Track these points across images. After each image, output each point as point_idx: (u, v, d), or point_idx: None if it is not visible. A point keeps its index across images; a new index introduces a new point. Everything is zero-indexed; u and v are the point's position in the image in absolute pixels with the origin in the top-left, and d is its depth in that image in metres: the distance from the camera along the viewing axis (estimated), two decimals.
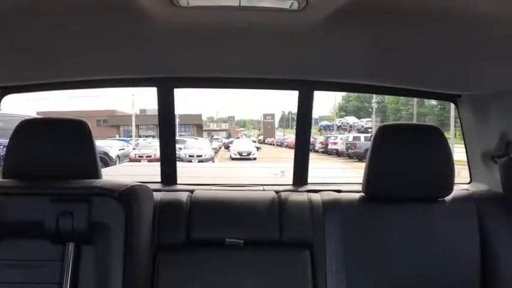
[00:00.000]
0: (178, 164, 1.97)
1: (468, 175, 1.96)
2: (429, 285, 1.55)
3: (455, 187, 1.61)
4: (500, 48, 1.22)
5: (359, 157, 14.36)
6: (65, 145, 1.35)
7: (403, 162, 1.54)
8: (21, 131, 1.36)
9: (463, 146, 1.95)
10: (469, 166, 1.95)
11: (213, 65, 1.67)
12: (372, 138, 1.59)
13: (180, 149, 13.31)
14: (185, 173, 1.94)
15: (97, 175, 1.36)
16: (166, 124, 1.90)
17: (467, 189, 1.80)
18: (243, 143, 18.77)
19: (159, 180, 1.93)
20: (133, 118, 19.04)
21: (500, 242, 1.57)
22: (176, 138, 2.00)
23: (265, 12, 1.12)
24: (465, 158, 1.96)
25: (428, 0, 0.99)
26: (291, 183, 1.95)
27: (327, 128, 22.95)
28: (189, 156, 13.70)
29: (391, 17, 1.09)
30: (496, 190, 1.73)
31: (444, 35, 1.18)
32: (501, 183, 1.67)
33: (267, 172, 9.30)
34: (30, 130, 1.38)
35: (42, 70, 1.63)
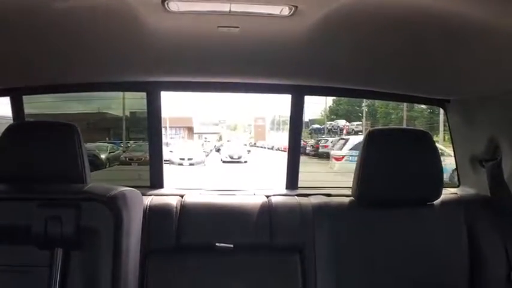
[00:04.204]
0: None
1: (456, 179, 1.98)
2: None
3: (444, 191, 1.62)
4: (488, 54, 1.23)
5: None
6: (53, 149, 1.34)
7: (392, 166, 1.55)
8: (10, 134, 1.34)
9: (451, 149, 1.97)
10: (457, 170, 1.97)
11: (203, 69, 1.67)
12: (362, 142, 1.60)
13: (171, 151, 13.22)
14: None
15: (86, 179, 1.35)
16: (154, 128, 1.92)
17: (456, 193, 1.82)
18: (234, 147, 18.65)
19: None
20: (124, 121, 18.87)
21: (488, 246, 1.59)
22: (166, 141, 2.01)
23: (255, 17, 1.12)
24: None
25: (416, 7, 1.00)
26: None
27: (318, 131, 22.92)
28: (180, 159, 13.59)
29: (380, 23, 1.10)
30: (483, 194, 1.75)
31: (432, 41, 1.19)
32: (488, 187, 1.68)
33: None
34: (18, 133, 1.36)
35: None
